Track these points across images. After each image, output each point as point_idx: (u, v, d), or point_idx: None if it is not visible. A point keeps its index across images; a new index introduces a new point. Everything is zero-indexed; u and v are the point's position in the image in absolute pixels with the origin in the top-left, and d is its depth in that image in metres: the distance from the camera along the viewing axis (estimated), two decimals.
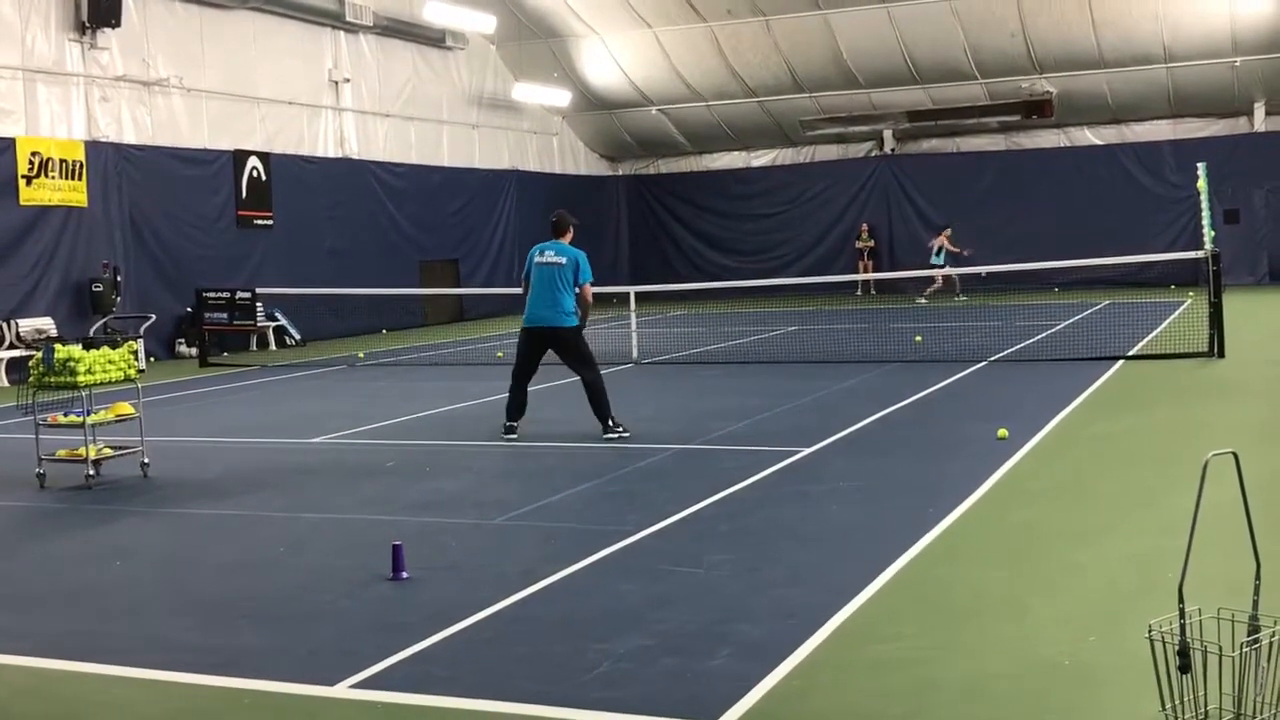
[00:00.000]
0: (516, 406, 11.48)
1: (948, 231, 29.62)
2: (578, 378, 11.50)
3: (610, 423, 11.16)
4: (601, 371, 11.48)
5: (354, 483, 9.66)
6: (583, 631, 5.62)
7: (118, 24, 20.77)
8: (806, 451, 10.01)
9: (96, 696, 5.12)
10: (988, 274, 25.94)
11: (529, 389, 11.61)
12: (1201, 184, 18.03)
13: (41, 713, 4.98)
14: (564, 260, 11.30)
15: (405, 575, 6.63)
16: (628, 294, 19.93)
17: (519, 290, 11.88)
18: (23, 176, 19.51)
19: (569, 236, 11.57)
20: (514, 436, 11.32)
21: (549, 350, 11.54)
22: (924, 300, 28.61)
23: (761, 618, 5.74)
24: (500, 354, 19.99)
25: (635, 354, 18.12)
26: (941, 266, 28.79)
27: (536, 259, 11.42)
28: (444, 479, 9.64)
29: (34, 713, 4.99)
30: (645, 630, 5.59)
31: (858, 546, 7.02)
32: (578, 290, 11.36)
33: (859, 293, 32.65)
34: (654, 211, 35.90)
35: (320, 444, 11.69)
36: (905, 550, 6.75)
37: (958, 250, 28.96)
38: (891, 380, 14.53)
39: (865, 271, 31.56)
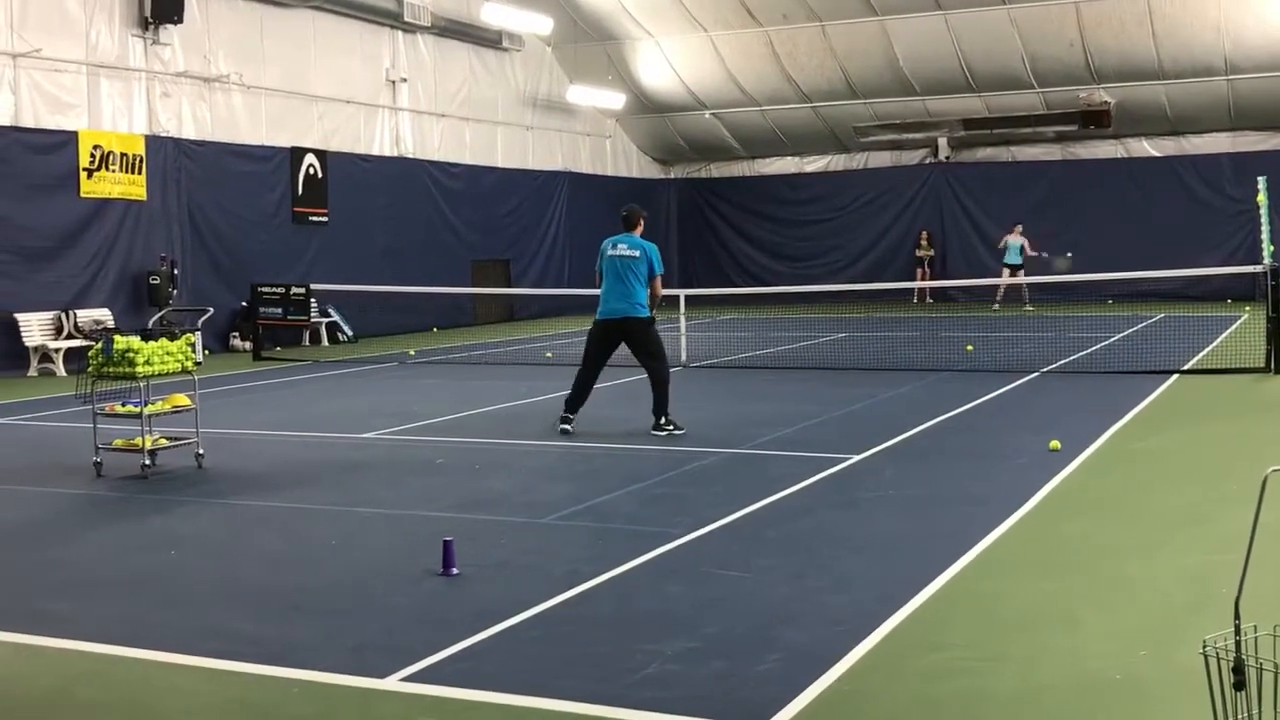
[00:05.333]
0: (577, 400, 11.67)
1: (1019, 227, 29.31)
2: (644, 375, 11.72)
3: (663, 420, 11.37)
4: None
5: (404, 478, 9.74)
6: (630, 632, 5.65)
7: (180, 20, 21.06)
8: (855, 459, 9.98)
9: (154, 683, 5.21)
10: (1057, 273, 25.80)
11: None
12: (1262, 198, 17.81)
13: (101, 698, 5.06)
14: (637, 253, 11.53)
15: (455, 571, 6.68)
16: (678, 297, 19.94)
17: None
18: (84, 169, 19.82)
19: (640, 229, 11.79)
20: (568, 428, 11.51)
21: (616, 348, 11.78)
22: (998, 306, 28.44)
23: (809, 624, 5.73)
24: (549, 355, 20.07)
25: (684, 357, 18.13)
26: (1020, 266, 28.39)
27: (609, 252, 11.61)
28: (493, 477, 9.70)
29: (94, 697, 5.07)
30: (693, 633, 5.60)
31: (907, 555, 6.99)
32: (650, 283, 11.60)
33: (916, 301, 32.51)
34: (705, 215, 35.91)
35: (371, 439, 11.79)
36: (955, 560, 6.72)
37: (1034, 252, 28.70)
38: (942, 389, 14.46)
39: (924, 280, 31.40)
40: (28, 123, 19.14)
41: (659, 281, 11.63)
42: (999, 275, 28.89)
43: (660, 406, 11.43)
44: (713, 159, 35.93)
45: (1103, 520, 7.80)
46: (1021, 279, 26.80)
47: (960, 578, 6.44)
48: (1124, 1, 27.08)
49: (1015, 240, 29.21)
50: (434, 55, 27.50)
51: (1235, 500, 8.01)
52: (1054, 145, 32.19)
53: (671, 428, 11.34)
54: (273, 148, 23.44)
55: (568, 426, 11.55)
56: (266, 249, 23.15)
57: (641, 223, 11.86)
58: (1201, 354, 17.50)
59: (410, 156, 26.87)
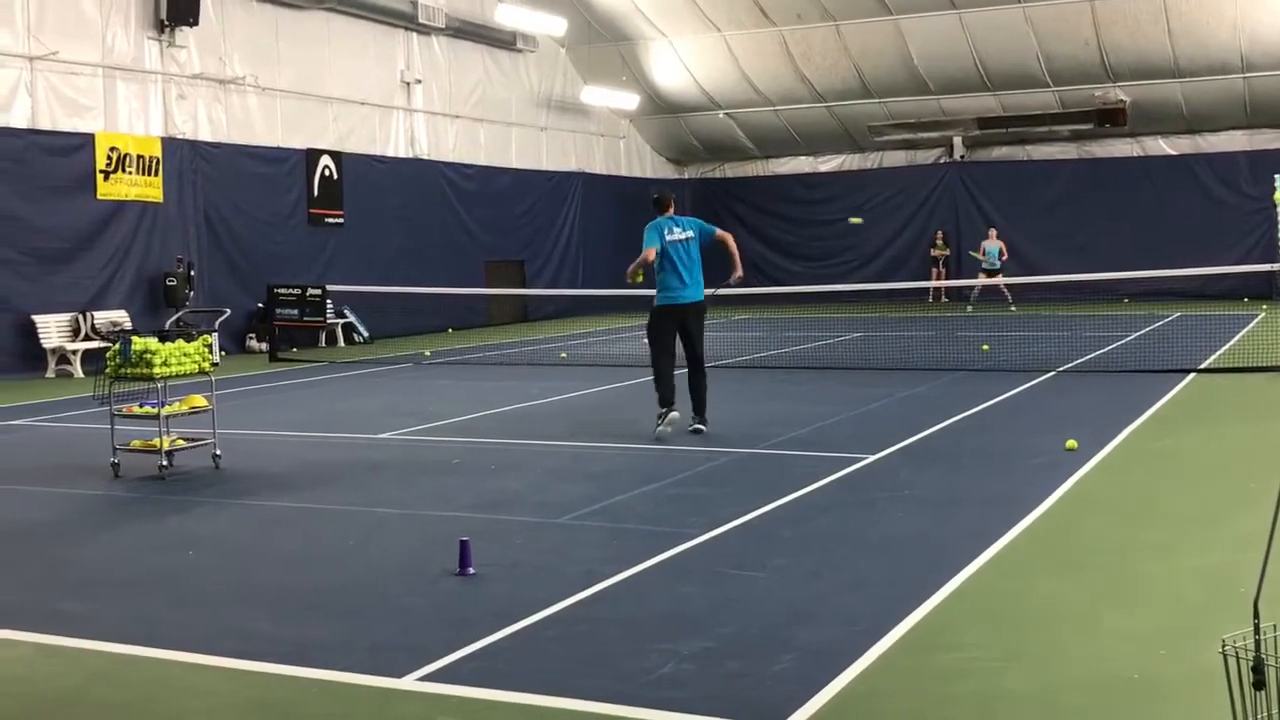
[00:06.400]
0: (670, 388, 11.42)
1: (994, 231, 29.24)
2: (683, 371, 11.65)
3: (704, 416, 11.43)
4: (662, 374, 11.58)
5: (420, 479, 9.76)
6: (646, 632, 5.65)
7: (195, 23, 21.14)
8: (871, 459, 9.97)
9: (172, 682, 5.23)
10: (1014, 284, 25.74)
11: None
12: (1278, 196, 17.74)
13: (119, 697, 5.08)
14: (692, 233, 11.54)
15: (471, 571, 6.69)
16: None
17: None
18: (101, 171, 19.91)
19: (672, 209, 11.79)
20: (676, 415, 11.28)
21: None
22: (972, 308, 28.27)
23: (825, 623, 5.73)
24: (564, 355, 20.09)
25: None
26: (998, 270, 28.27)
27: (668, 236, 11.45)
28: (509, 478, 9.71)
29: (112, 697, 5.09)
30: (708, 633, 5.60)
31: (923, 555, 6.98)
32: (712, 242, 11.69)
33: (931, 300, 32.45)
34: (719, 215, 35.75)
35: (387, 440, 11.82)
36: (972, 560, 6.71)
37: (978, 255, 28.65)
38: (957, 389, 14.43)
39: (939, 279, 31.32)
40: (44, 125, 19.24)
41: (722, 233, 11.76)
42: (1010, 275, 28.75)
43: (702, 403, 11.50)
44: (727, 159, 35.92)
45: (1120, 520, 7.78)
46: (1000, 280, 26.72)
47: (977, 577, 6.43)
48: None
49: (993, 245, 29.13)
50: (448, 56, 27.54)
51: (1253, 500, 7.97)
52: (1069, 144, 32.10)
53: (704, 428, 11.40)
54: (288, 149, 23.51)
55: (675, 414, 11.29)
56: (282, 250, 23.22)
57: (672, 203, 11.91)
58: (1218, 353, 17.44)
59: (425, 157, 26.93)
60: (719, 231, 11.79)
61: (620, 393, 13.46)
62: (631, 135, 34.86)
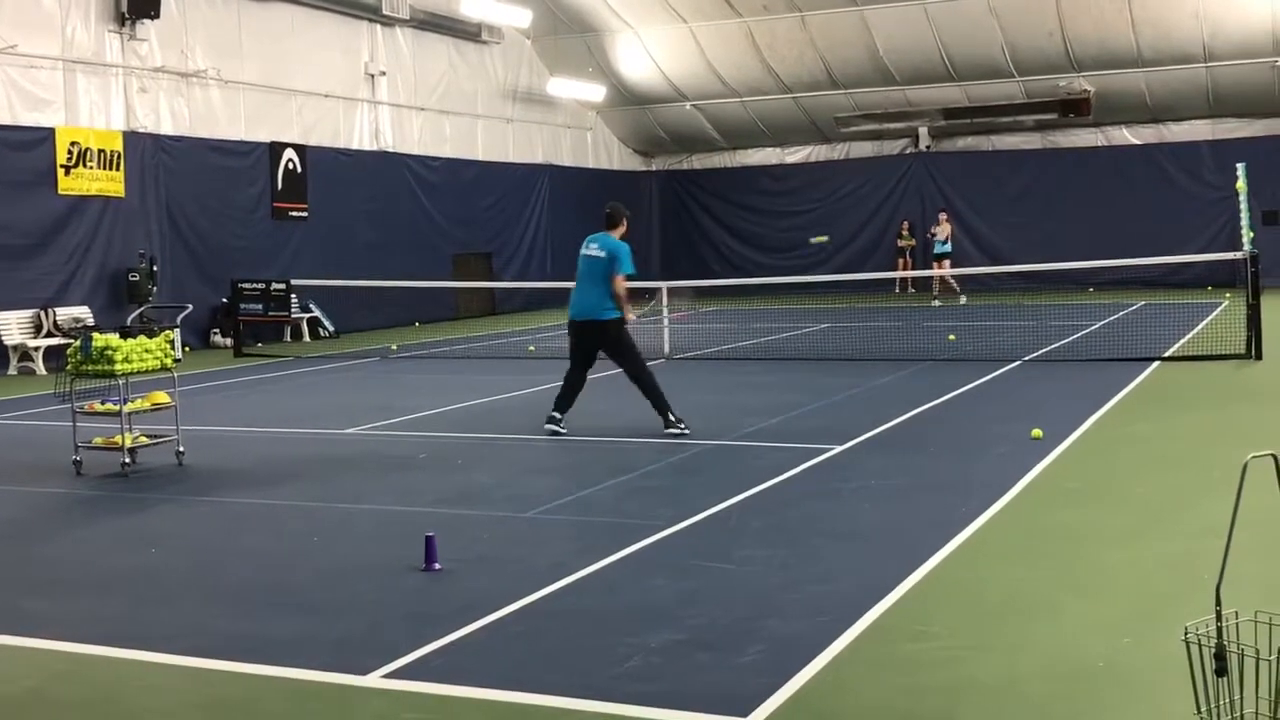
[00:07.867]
0: (564, 399, 11.28)
1: (944, 215, 29.26)
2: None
3: (671, 417, 10.93)
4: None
5: (386, 474, 9.71)
6: (614, 625, 5.63)
7: (156, 15, 20.93)
8: (838, 449, 9.98)
9: (133, 682, 5.17)
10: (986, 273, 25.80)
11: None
12: (1241, 184, 17.88)
13: (79, 697, 5.02)
14: (603, 253, 11.11)
15: (438, 566, 6.65)
16: (660, 289, 19.94)
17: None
18: (61, 166, 19.69)
19: (620, 230, 11.33)
20: (554, 428, 11.11)
21: (595, 347, 11.32)
22: (939, 301, 28.22)
23: (793, 614, 5.73)
24: (532, 349, 20.03)
25: (667, 349, 18.11)
26: (948, 255, 28.29)
27: (582, 251, 11.28)
28: (476, 472, 9.67)
29: (72, 697, 5.03)
30: (677, 625, 5.59)
31: (890, 544, 7.00)
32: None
33: (898, 290, 32.54)
34: (687, 207, 35.88)
35: (353, 435, 11.75)
36: (938, 549, 6.72)
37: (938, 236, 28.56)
38: (924, 379, 14.47)
39: (906, 269, 31.36)
40: (4, 120, 19.00)
41: (619, 280, 11.06)
42: (976, 265, 28.81)
43: (658, 407, 10.99)
44: (694, 150, 35.90)
45: (1085, 508, 7.81)
46: (948, 269, 26.72)
47: (943, 567, 6.45)
48: None
49: (944, 229, 28.97)
50: (413, 48, 27.39)
51: (1217, 487, 8.03)
52: (1034, 134, 32.24)
53: (681, 426, 10.85)
54: (252, 143, 23.32)
55: (555, 426, 11.14)
56: (246, 245, 23.05)
57: (624, 223, 11.40)
58: (1182, 341, 17.56)
59: (390, 150, 26.77)
60: (617, 278, 11.03)
61: (588, 386, 13.39)
62: (599, 127, 34.79)
